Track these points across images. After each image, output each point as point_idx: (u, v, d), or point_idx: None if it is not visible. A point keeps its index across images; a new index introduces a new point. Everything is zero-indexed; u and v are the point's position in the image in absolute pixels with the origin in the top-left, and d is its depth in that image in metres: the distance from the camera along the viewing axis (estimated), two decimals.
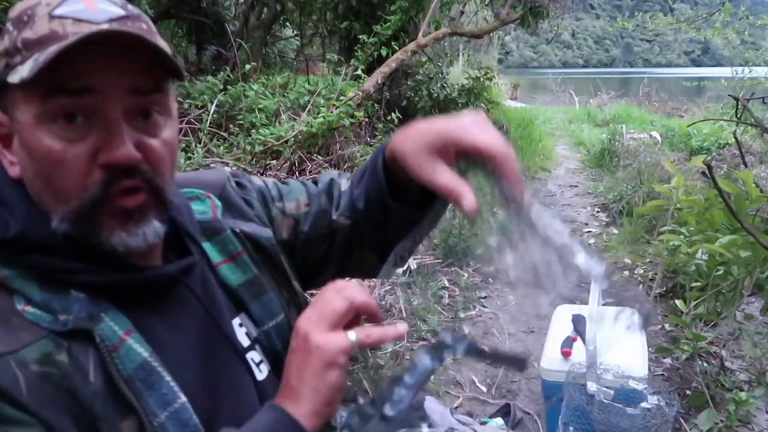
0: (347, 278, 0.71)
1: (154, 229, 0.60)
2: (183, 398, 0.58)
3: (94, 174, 0.55)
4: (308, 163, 4.37)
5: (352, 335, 0.58)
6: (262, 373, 0.69)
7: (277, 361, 0.70)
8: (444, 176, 0.59)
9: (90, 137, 0.55)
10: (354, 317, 0.61)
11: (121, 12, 0.56)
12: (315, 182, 0.86)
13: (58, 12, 0.53)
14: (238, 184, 0.81)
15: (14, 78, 0.52)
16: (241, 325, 0.70)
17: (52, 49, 0.50)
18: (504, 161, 0.58)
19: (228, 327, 0.68)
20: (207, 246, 0.71)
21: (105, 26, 0.53)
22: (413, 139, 0.62)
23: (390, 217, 0.72)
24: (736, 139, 3.35)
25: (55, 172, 0.55)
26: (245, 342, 0.70)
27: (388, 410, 0.56)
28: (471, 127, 0.60)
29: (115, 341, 0.57)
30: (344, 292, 0.60)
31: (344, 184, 0.83)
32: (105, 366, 0.56)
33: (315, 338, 0.57)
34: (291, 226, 0.81)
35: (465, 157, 0.60)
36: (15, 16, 0.55)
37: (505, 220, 0.57)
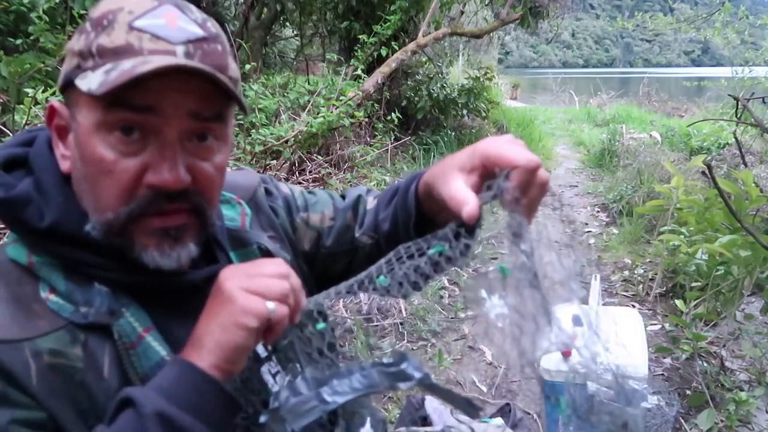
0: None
1: (189, 251, 0.60)
2: None
3: (138, 191, 0.56)
4: (308, 163, 4.37)
5: (270, 304, 0.54)
6: (277, 384, 0.69)
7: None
8: (454, 186, 0.56)
9: (142, 154, 0.55)
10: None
11: (199, 32, 0.56)
12: (342, 196, 0.85)
13: (138, 24, 0.53)
14: (266, 190, 0.81)
15: (82, 85, 0.52)
16: None
17: (124, 69, 0.50)
18: (527, 169, 0.54)
19: None
20: (232, 255, 0.71)
21: (181, 48, 0.54)
22: (447, 161, 0.61)
23: None
24: (736, 139, 3.35)
25: (101, 181, 0.55)
26: (263, 353, 0.69)
27: (327, 395, 0.54)
28: (501, 141, 0.58)
29: (134, 338, 0.57)
30: (291, 279, 0.56)
31: (370, 202, 0.83)
32: (121, 363, 0.56)
33: (233, 292, 0.54)
34: (313, 238, 0.81)
35: (492, 175, 0.56)
36: (95, 17, 0.54)
37: (506, 267, 0.52)
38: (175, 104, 0.54)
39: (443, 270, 0.54)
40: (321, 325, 0.58)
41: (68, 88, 0.56)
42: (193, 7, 0.58)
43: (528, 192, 0.55)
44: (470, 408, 0.58)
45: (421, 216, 0.70)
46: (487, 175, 0.57)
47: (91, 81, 0.51)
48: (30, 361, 0.53)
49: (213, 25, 0.58)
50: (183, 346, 0.59)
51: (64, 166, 0.59)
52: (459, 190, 0.55)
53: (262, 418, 0.56)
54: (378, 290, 0.55)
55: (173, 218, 0.58)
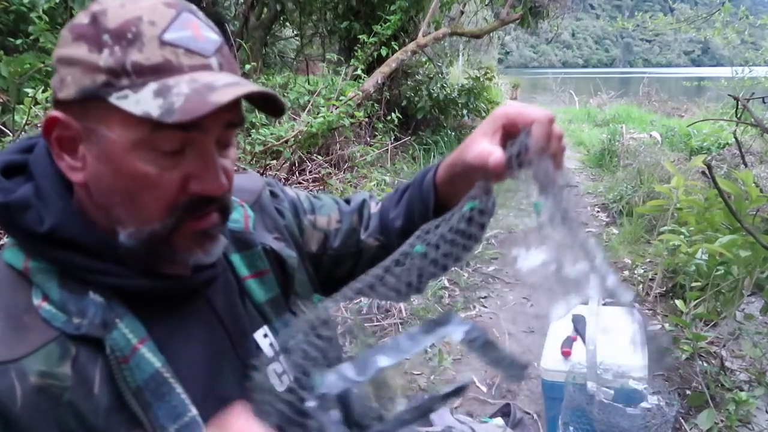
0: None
1: (222, 244, 0.63)
2: (194, 411, 0.58)
3: (180, 199, 0.57)
4: (308, 163, 4.37)
5: None
6: (282, 384, 0.69)
7: None
8: (479, 147, 0.60)
9: (182, 164, 0.56)
10: None
11: (217, 39, 0.57)
12: (347, 201, 0.87)
13: (168, 38, 0.53)
14: (271, 192, 0.82)
15: (128, 106, 0.51)
16: (265, 335, 0.70)
17: (185, 93, 0.51)
18: (545, 121, 0.58)
19: (247, 339, 0.68)
20: (236, 257, 0.71)
21: (214, 61, 0.56)
22: (468, 137, 0.65)
23: None
24: (736, 139, 3.34)
25: (143, 195, 0.55)
26: (269, 353, 0.69)
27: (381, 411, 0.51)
28: (516, 104, 0.63)
29: (127, 351, 0.56)
30: None
31: (373, 206, 0.85)
32: (113, 378, 0.55)
33: None
34: (321, 239, 0.82)
35: (514, 135, 0.61)
36: (114, 28, 0.52)
37: (539, 201, 0.54)
38: (216, 119, 0.55)
39: (478, 225, 0.56)
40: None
41: (87, 102, 0.54)
42: (195, 8, 0.58)
43: (549, 144, 0.58)
44: (517, 369, 0.55)
45: (437, 206, 0.71)
46: (508, 137, 0.61)
47: (143, 104, 0.51)
48: (15, 383, 0.52)
49: (213, 24, 0.59)
50: (179, 353, 0.59)
51: (76, 177, 0.57)
52: (485, 147, 0.60)
53: (310, 404, 0.53)
54: (416, 261, 0.55)
55: (209, 219, 0.60)
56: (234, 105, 0.56)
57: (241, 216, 0.73)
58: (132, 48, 0.52)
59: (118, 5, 0.54)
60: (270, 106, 0.60)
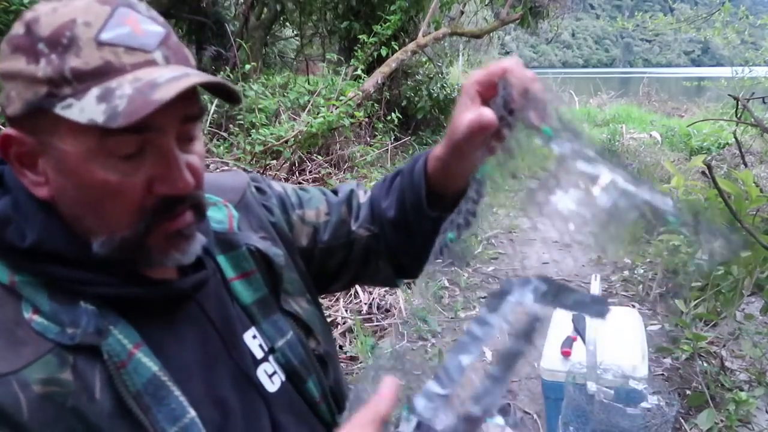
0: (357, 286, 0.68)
1: (200, 242, 0.61)
2: (192, 413, 0.57)
3: (147, 202, 0.55)
4: (308, 163, 4.37)
5: None
6: (274, 384, 0.68)
7: (292, 375, 0.70)
8: (466, 119, 0.61)
9: (144, 167, 0.54)
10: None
11: (161, 30, 0.54)
12: (334, 191, 0.86)
13: (105, 38, 0.50)
14: (258, 189, 0.80)
15: (73, 115, 0.49)
16: (254, 337, 0.69)
17: (128, 93, 0.49)
18: (515, 66, 0.59)
19: (239, 341, 0.67)
20: (221, 259, 0.70)
21: (158, 55, 0.53)
22: (453, 119, 0.65)
23: (422, 226, 0.71)
24: (736, 139, 3.34)
25: (109, 203, 0.54)
26: (259, 354, 0.69)
27: (473, 406, 0.47)
28: (482, 68, 0.63)
29: (124, 356, 0.56)
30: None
31: (362, 195, 0.83)
32: (113, 383, 0.55)
33: None
34: (310, 233, 0.81)
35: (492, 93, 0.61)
36: (48, 35, 0.50)
37: (548, 127, 0.54)
38: (170, 116, 0.53)
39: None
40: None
41: (34, 115, 0.52)
42: (133, 0, 0.55)
43: (529, 85, 0.58)
44: (599, 306, 0.51)
45: (429, 195, 0.71)
46: (486, 101, 0.62)
47: (87, 111, 0.49)
48: (19, 394, 0.51)
49: (157, 14, 0.57)
50: (173, 356, 0.59)
51: (41, 192, 0.56)
52: (471, 115, 0.60)
53: None
54: (452, 247, 0.57)
55: (182, 219, 0.58)
56: (189, 97, 0.54)
57: (225, 216, 0.72)
58: (69, 54, 0.50)
59: (50, 10, 0.51)
60: (225, 94, 0.58)
